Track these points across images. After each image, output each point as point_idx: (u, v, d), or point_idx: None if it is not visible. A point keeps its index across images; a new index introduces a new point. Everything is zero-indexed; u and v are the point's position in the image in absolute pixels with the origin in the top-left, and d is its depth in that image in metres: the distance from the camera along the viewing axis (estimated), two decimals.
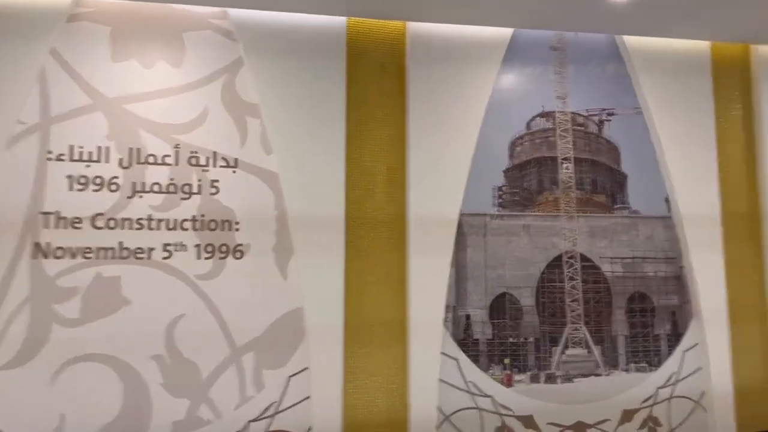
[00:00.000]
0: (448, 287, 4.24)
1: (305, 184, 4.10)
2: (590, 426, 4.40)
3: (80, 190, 3.79)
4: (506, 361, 4.39)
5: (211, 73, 4.08)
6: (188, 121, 4.00)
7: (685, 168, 4.76)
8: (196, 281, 3.90)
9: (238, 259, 3.97)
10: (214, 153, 4.01)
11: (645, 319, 4.65)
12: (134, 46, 3.98)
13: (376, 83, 4.31)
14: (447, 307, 4.25)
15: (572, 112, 4.71)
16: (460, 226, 4.35)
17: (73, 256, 3.75)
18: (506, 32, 4.60)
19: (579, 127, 4.72)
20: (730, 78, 4.95)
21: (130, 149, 3.89)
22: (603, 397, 4.45)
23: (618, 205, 4.71)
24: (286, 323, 4.01)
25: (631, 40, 4.77)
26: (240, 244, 3.98)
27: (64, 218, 3.76)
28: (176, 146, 3.96)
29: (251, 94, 4.11)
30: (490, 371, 4.34)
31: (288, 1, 4.08)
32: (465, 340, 4.32)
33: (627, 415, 4.45)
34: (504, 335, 4.39)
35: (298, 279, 4.04)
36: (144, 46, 4.00)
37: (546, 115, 4.68)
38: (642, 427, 4.46)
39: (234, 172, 4.02)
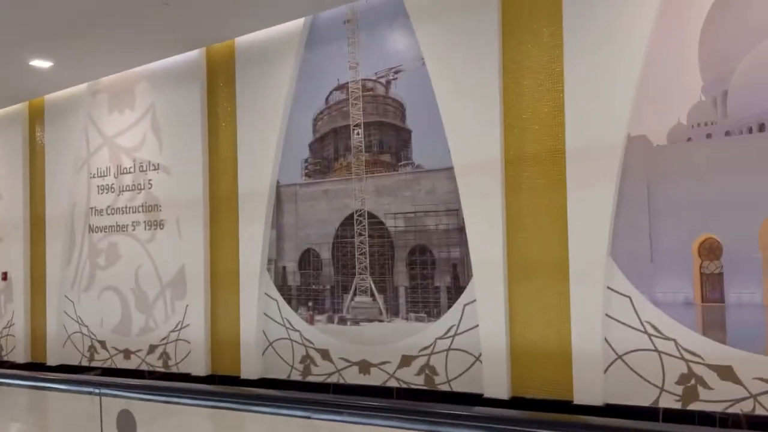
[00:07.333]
0: (269, 244, 5.48)
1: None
2: (373, 365, 4.72)
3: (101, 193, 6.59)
4: (310, 303, 5.28)
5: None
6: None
7: (464, 119, 4.48)
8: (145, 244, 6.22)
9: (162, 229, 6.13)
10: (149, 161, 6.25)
11: (425, 271, 4.77)
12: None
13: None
14: (269, 260, 5.47)
15: (363, 79, 4.99)
16: (278, 195, 5.45)
17: (100, 231, 6.55)
18: (299, 23, 5.25)
19: (368, 92, 4.98)
20: None
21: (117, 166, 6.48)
22: (384, 341, 4.87)
23: (402, 162, 4.85)
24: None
25: None
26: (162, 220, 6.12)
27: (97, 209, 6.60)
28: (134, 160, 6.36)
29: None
30: (299, 312, 5.30)
31: None
32: (282, 286, 5.42)
33: (406, 360, 4.80)
34: (308, 283, 5.25)
35: None
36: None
37: (341, 87, 5.10)
38: (419, 373, 4.71)
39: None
